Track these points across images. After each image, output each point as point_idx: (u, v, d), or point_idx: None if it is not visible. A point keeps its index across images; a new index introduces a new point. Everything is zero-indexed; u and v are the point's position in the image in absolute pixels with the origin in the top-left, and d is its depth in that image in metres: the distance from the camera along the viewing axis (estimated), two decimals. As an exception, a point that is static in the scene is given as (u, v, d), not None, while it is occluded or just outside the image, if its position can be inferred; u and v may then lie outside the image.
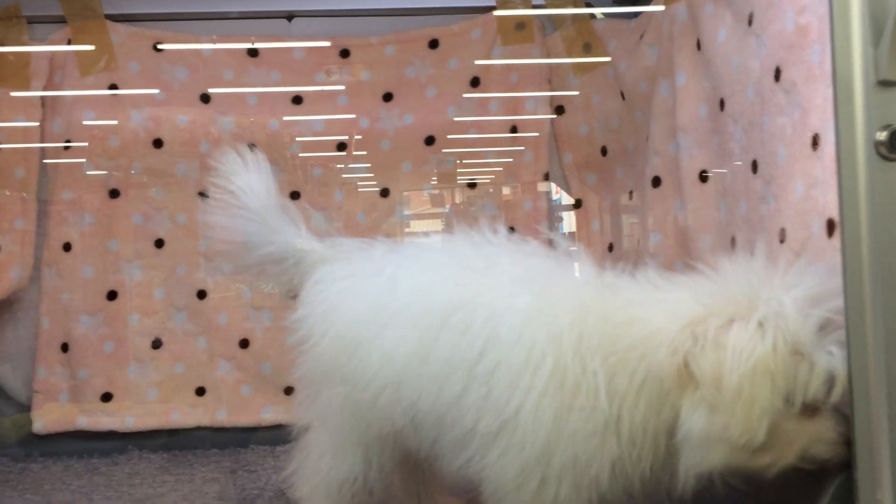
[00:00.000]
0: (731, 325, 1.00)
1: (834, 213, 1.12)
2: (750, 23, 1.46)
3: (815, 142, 1.22)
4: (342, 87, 2.30)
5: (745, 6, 1.48)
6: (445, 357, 1.19)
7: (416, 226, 2.40)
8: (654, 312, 1.08)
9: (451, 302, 1.22)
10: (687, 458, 1.05)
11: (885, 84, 0.94)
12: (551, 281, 1.23)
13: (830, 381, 0.97)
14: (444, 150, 2.31)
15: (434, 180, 2.38)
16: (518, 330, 1.15)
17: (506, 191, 2.39)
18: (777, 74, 1.34)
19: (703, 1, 1.67)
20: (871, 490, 0.93)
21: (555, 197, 2.42)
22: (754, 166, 1.47)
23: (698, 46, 1.72)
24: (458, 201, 2.41)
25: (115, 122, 2.23)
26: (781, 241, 1.33)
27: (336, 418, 1.36)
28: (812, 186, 1.23)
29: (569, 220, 2.42)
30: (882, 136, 0.93)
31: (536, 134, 2.34)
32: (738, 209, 1.57)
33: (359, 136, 2.30)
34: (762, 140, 1.43)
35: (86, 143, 2.23)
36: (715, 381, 0.99)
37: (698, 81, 1.73)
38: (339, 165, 2.33)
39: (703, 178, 1.73)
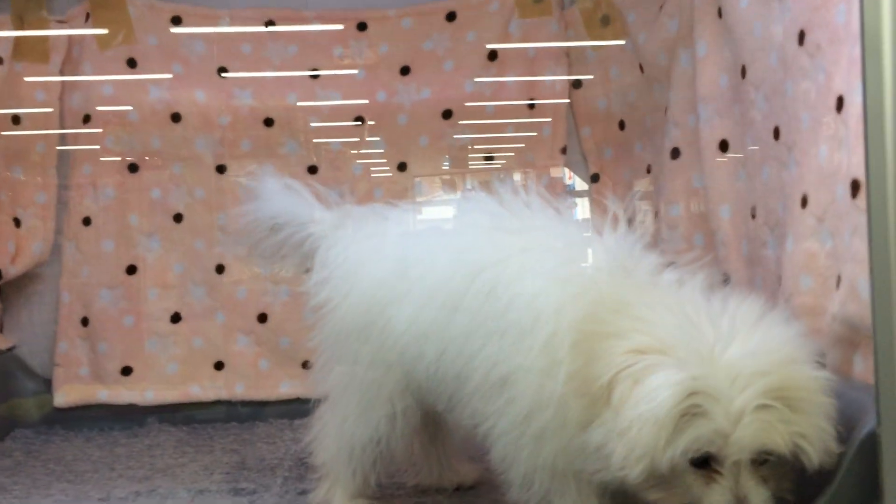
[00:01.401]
0: (658, 366, 1.02)
1: (858, 174, 1.11)
2: (773, -13, 1.44)
3: (840, 104, 1.20)
4: (355, 71, 2.29)
5: (768, -30, 1.46)
6: (471, 314, 1.22)
7: (427, 213, 2.40)
8: (635, 317, 1.09)
9: (480, 262, 1.26)
10: (590, 463, 1.09)
11: (913, 37, 0.92)
12: (573, 252, 1.27)
13: (724, 442, 0.98)
14: (460, 123, 2.31)
15: (446, 164, 2.37)
16: (534, 294, 1.19)
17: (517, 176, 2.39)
18: (801, 38, 1.32)
19: (724, -32, 1.65)
20: (893, 445, 0.93)
21: (567, 182, 2.41)
22: (776, 133, 1.46)
23: (719, 15, 1.70)
24: (469, 187, 2.40)
25: (134, 99, 2.23)
26: (803, 207, 1.32)
27: (363, 377, 1.38)
28: (836, 150, 1.22)
29: (582, 206, 2.40)
30: (910, 90, 0.92)
31: (554, 109, 2.33)
32: (759, 177, 1.55)
33: (372, 122, 2.30)
34: (784, 106, 1.41)
35: (105, 119, 2.24)
36: (616, 410, 1.03)
37: (719, 50, 1.71)
38: (354, 140, 2.33)
39: (724, 147, 1.71)
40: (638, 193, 2.30)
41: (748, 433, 0.98)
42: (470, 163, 2.39)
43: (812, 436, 0.99)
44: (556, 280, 1.20)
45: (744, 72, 1.59)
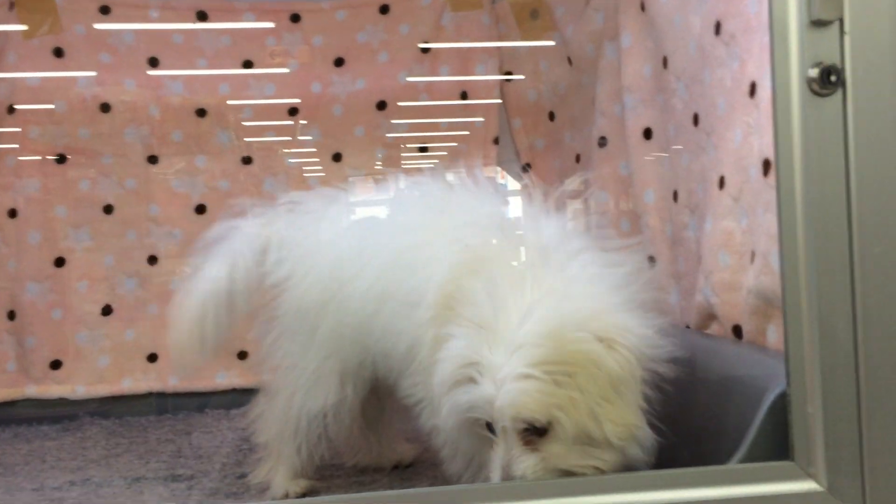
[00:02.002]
0: (453, 337, 1.11)
1: (769, 154, 1.18)
2: (691, -20, 1.52)
3: (753, 90, 1.27)
4: (285, 70, 2.30)
5: (687, -36, 1.53)
6: (400, 294, 1.28)
7: (361, 213, 2.41)
8: (477, 289, 1.15)
9: (405, 244, 1.32)
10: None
11: (816, 24, 0.99)
12: (487, 232, 1.30)
13: (491, 409, 1.05)
14: (395, 114, 2.34)
15: (379, 160, 2.38)
16: (444, 275, 1.24)
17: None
18: (717, 28, 1.39)
19: (646, -37, 1.72)
20: (801, 404, 1.00)
21: (500, 181, 2.45)
22: (696, 119, 1.53)
23: (642, 8, 1.77)
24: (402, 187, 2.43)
25: (61, 90, 2.19)
26: (721, 188, 1.39)
27: (318, 349, 1.42)
28: (749, 133, 1.29)
29: (515, 206, 2.44)
30: (814, 72, 0.99)
31: (487, 100, 2.38)
32: (680, 163, 1.62)
33: (304, 122, 2.31)
34: (703, 93, 1.48)
35: (30, 110, 2.19)
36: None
37: (642, 42, 1.79)
38: (287, 131, 2.34)
39: (648, 135, 1.79)
40: (575, 181, 2.37)
41: (506, 401, 1.04)
42: (404, 154, 2.41)
43: (568, 407, 1.04)
44: (462, 260, 1.24)
45: (665, 62, 1.66)
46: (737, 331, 1.35)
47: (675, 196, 1.66)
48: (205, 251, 1.51)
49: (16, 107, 2.19)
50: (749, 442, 1.06)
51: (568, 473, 1.08)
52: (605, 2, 2.00)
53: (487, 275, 1.16)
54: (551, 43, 2.28)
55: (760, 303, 1.25)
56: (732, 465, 1.04)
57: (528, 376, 1.04)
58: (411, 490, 1.09)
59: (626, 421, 1.08)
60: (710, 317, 1.45)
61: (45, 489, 1.57)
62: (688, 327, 1.59)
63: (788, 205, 1.01)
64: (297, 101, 2.32)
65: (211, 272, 1.50)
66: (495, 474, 1.08)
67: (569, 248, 1.22)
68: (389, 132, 2.36)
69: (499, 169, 2.43)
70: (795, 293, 1.00)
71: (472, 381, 1.07)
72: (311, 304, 1.43)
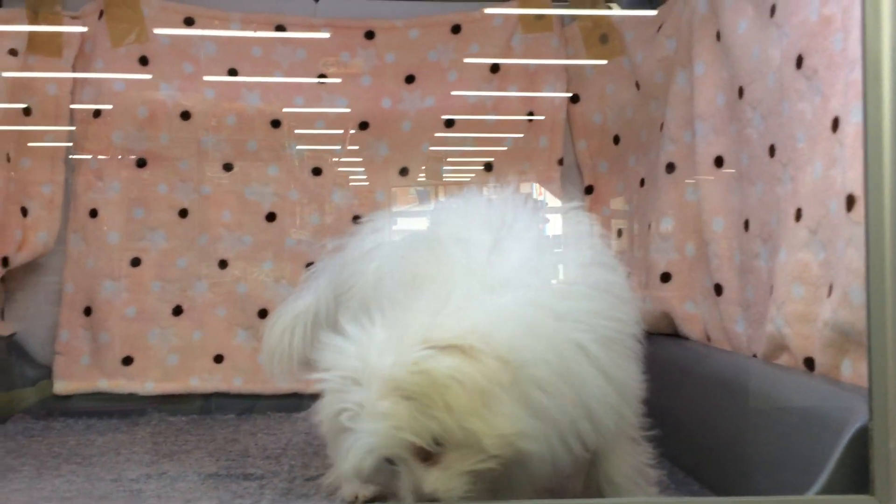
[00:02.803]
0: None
1: (853, 189, 1.20)
2: (772, 14, 1.54)
3: (836, 125, 1.29)
4: (337, 80, 2.36)
5: (768, -2, 1.56)
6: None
7: (402, 224, 2.46)
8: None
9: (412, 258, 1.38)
10: None
11: (910, 66, 1.02)
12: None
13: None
14: (461, 131, 2.39)
15: (421, 176, 2.43)
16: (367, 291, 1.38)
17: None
18: (799, 62, 1.42)
19: (724, -6, 1.75)
20: (883, 439, 1.01)
21: (538, 198, 2.48)
22: (772, 150, 1.55)
23: (718, 38, 1.80)
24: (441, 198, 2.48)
25: (144, 93, 2.28)
26: (797, 220, 1.41)
27: None
28: (831, 167, 1.31)
29: (555, 222, 2.46)
30: (906, 112, 1.01)
31: (552, 122, 2.41)
32: (753, 192, 1.64)
33: (353, 130, 2.37)
34: (781, 125, 1.50)
35: (115, 114, 2.28)
36: None
37: (717, 71, 1.81)
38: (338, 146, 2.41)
39: (719, 163, 1.81)
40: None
41: (380, 440, 1.06)
42: (469, 171, 2.46)
43: (440, 426, 1.05)
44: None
45: (741, 92, 1.68)
46: (809, 363, 1.37)
47: (747, 225, 1.67)
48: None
49: (101, 111, 2.28)
50: (828, 474, 1.07)
51: (481, 476, 1.10)
52: (678, 30, 2.03)
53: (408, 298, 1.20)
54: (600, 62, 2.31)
55: (837, 336, 1.27)
56: (812, 496, 1.06)
57: (388, 411, 1.05)
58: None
59: (499, 432, 1.07)
60: (780, 347, 1.47)
61: (122, 480, 1.64)
62: (755, 356, 1.61)
63: (877, 241, 1.03)
64: (368, 114, 2.38)
65: (308, 288, 1.62)
66: (407, 500, 1.10)
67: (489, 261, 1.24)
68: (456, 148, 2.41)
69: (535, 185, 2.46)
70: (881, 328, 1.02)
71: (346, 429, 1.09)
72: (360, 305, 1.46)
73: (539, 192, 2.47)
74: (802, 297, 1.39)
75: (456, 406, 1.05)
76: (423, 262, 1.30)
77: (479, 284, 1.20)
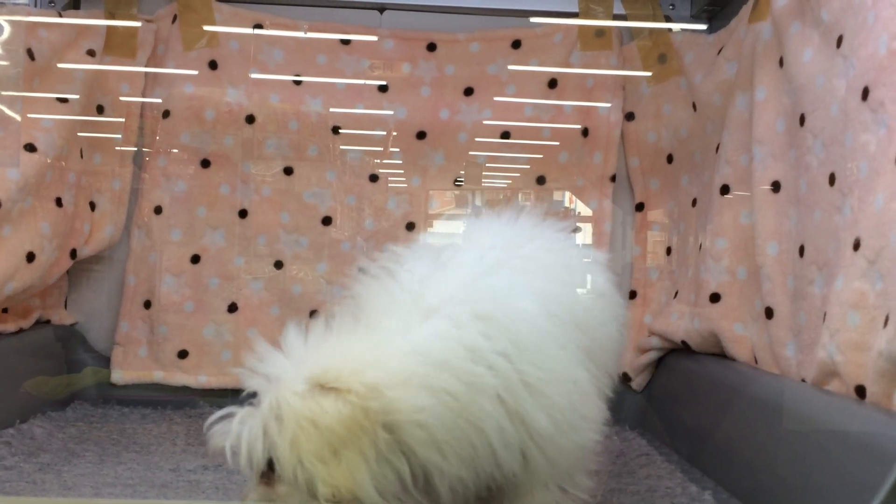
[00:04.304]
0: None
1: (916, 223, 1.21)
2: (839, 45, 1.56)
3: (900, 158, 1.31)
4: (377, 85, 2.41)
5: (835, 29, 1.57)
6: None
7: (439, 227, 2.51)
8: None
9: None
10: None
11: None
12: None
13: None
14: (517, 144, 2.43)
15: (460, 181, 2.46)
16: None
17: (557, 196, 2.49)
18: (865, 94, 1.43)
19: (789, 21, 1.77)
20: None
21: (569, 206, 2.51)
22: (832, 179, 1.57)
23: (780, 64, 1.81)
24: (478, 203, 2.52)
25: (212, 97, 2.36)
26: (855, 249, 1.43)
27: None
28: (893, 199, 1.32)
29: (586, 231, 2.48)
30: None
31: (607, 138, 2.44)
32: (810, 219, 1.66)
33: (395, 133, 2.42)
34: (842, 155, 1.52)
35: (183, 115, 2.36)
36: None
37: (778, 97, 1.83)
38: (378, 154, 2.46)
39: (776, 188, 1.82)
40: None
41: (232, 440, 1.12)
42: (522, 183, 2.50)
43: (280, 455, 1.08)
44: None
45: (802, 119, 1.70)
46: (860, 391, 1.38)
47: (802, 251, 1.69)
48: None
49: (170, 111, 2.36)
50: (878, 502, 1.09)
51: None
52: (739, 53, 2.04)
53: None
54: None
55: (891, 366, 1.28)
56: (864, 522, 1.08)
57: (251, 425, 1.10)
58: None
59: (340, 483, 1.06)
60: (831, 374, 1.48)
61: (181, 471, 1.70)
62: (804, 381, 1.62)
63: (938, 276, 1.04)
64: (427, 124, 2.43)
65: None
66: None
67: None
68: (511, 162, 2.45)
69: (567, 193, 2.48)
70: (938, 362, 1.04)
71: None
72: None
73: (570, 199, 2.50)
74: (857, 326, 1.40)
75: (302, 447, 1.06)
76: (365, 290, 1.26)
77: (402, 318, 1.17)
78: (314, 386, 1.09)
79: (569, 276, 1.37)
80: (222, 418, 1.15)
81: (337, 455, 1.06)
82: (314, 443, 1.06)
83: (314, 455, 1.06)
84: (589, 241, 2.46)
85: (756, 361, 1.88)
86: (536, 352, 1.18)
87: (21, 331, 2.14)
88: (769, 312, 1.79)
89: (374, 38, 2.40)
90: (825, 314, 1.52)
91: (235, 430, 1.12)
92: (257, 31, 2.37)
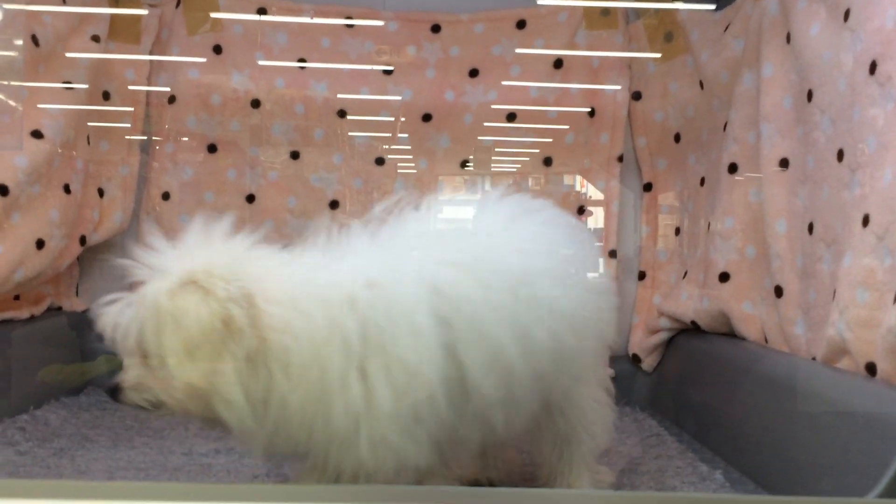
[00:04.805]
0: None
1: (925, 198, 1.20)
2: (846, 18, 1.54)
3: (908, 132, 1.30)
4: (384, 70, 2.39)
5: (842, 2, 1.56)
6: None
7: (448, 213, 2.49)
8: None
9: None
10: None
11: None
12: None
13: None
14: (523, 126, 2.42)
15: (469, 165, 2.45)
16: None
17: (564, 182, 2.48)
18: (872, 68, 1.42)
19: (796, -4, 1.75)
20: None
21: (580, 189, 2.50)
22: (840, 154, 1.55)
23: (787, 39, 1.80)
24: (487, 188, 2.51)
25: (217, 82, 2.36)
26: (864, 226, 1.42)
27: None
28: (901, 174, 1.31)
29: (597, 215, 2.48)
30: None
31: (613, 118, 2.43)
32: (819, 196, 1.65)
33: (403, 118, 2.41)
34: (850, 130, 1.51)
35: (189, 100, 2.36)
36: None
37: (785, 73, 1.81)
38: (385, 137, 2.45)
39: (784, 165, 1.81)
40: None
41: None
42: (529, 165, 2.49)
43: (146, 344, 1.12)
44: None
45: (810, 95, 1.68)
46: (870, 368, 1.37)
47: (811, 228, 1.68)
48: None
49: (176, 97, 2.36)
50: (888, 479, 1.09)
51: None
52: (746, 30, 2.02)
53: None
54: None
55: (901, 342, 1.28)
56: (872, 499, 1.08)
57: (135, 309, 1.13)
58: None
59: (194, 381, 1.09)
60: (841, 351, 1.48)
61: (193, 454, 1.71)
62: (814, 359, 1.62)
63: (947, 251, 1.03)
64: (431, 106, 2.42)
65: None
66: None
67: None
68: (516, 142, 2.44)
69: (578, 177, 2.47)
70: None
71: None
72: None
73: (581, 183, 2.49)
74: (866, 303, 1.40)
75: (164, 342, 1.09)
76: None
77: (317, 259, 1.20)
78: (186, 283, 1.10)
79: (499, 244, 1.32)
80: (112, 301, 1.17)
81: (192, 354, 1.09)
82: (173, 340, 1.09)
83: (173, 351, 1.09)
84: (599, 223, 2.46)
85: (766, 340, 1.88)
86: (397, 332, 1.15)
87: (33, 318, 2.15)
88: (778, 291, 1.79)
89: (381, 23, 2.39)
90: (834, 291, 1.51)
91: (113, 316, 1.15)
92: (262, 18, 2.36)
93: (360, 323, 1.13)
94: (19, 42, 1.92)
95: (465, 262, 1.23)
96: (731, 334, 2.03)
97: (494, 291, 1.22)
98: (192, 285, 1.10)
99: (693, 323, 2.16)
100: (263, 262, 1.17)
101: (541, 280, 1.29)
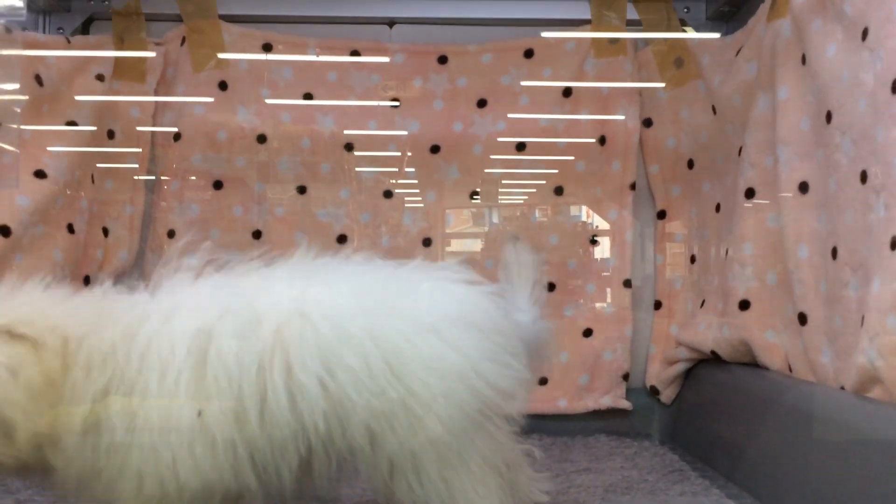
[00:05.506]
0: None
1: (959, 218, 1.15)
2: (864, 37, 1.50)
3: (936, 151, 1.25)
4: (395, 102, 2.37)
5: (860, 22, 1.52)
6: None
7: (455, 245, 2.47)
8: None
9: None
10: None
11: None
12: None
13: None
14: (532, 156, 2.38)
15: (476, 198, 2.42)
16: None
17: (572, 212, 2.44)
18: (894, 87, 1.38)
19: (810, 18, 1.71)
20: None
21: (586, 220, 2.46)
22: (863, 177, 1.51)
23: (803, 61, 1.76)
24: (495, 220, 2.47)
25: (223, 118, 2.34)
26: (893, 249, 1.36)
27: None
28: (930, 194, 1.26)
29: (604, 245, 2.44)
30: None
31: (625, 146, 2.39)
32: (842, 219, 1.59)
33: (410, 152, 2.38)
34: (873, 151, 1.46)
35: (195, 138, 2.34)
36: None
37: (802, 95, 1.77)
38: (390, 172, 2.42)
39: (803, 188, 1.76)
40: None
41: None
42: (540, 195, 2.45)
43: None
44: None
45: (829, 117, 1.64)
46: (905, 397, 1.31)
47: (834, 253, 1.63)
48: None
49: (181, 134, 2.33)
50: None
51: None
52: (758, 53, 1.99)
53: None
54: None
55: (938, 370, 1.22)
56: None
57: None
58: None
59: (36, 429, 1.09)
60: (872, 380, 1.41)
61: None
62: (842, 388, 1.55)
63: None
64: (440, 138, 2.39)
65: None
66: None
67: None
68: (527, 174, 2.40)
69: (584, 207, 2.43)
70: None
71: None
72: None
73: (587, 214, 2.45)
74: (899, 329, 1.34)
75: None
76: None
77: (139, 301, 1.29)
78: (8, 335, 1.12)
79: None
80: None
81: (35, 403, 1.10)
82: (9, 390, 1.09)
83: (8, 402, 1.09)
84: (609, 252, 2.41)
85: (790, 370, 1.82)
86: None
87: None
88: (802, 318, 1.73)
89: (386, 60, 2.37)
90: (863, 318, 1.46)
91: None
92: (268, 57, 2.35)
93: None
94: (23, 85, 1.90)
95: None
96: (753, 364, 1.96)
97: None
98: (9, 334, 1.12)
99: (713, 353, 2.10)
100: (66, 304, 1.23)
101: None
